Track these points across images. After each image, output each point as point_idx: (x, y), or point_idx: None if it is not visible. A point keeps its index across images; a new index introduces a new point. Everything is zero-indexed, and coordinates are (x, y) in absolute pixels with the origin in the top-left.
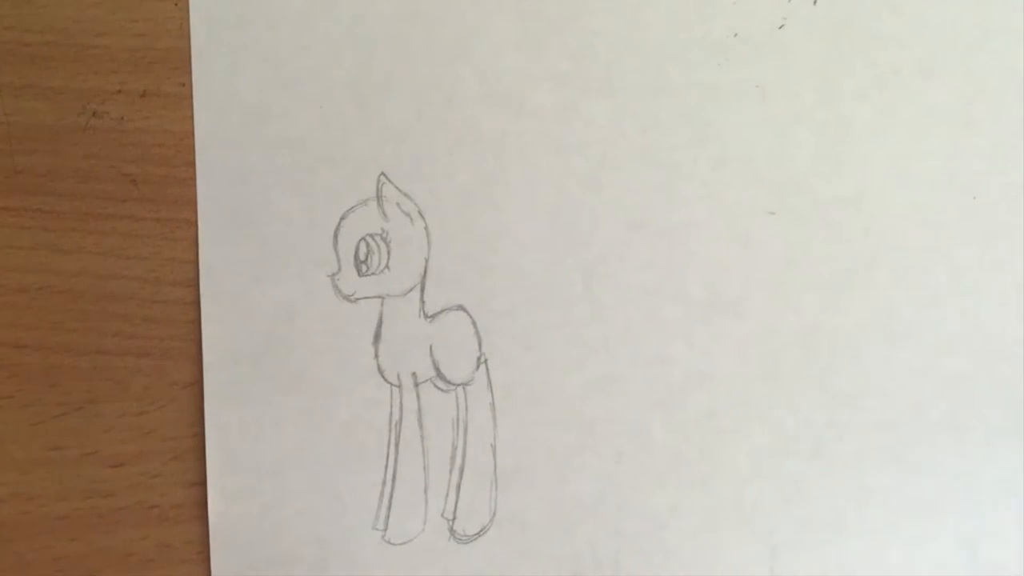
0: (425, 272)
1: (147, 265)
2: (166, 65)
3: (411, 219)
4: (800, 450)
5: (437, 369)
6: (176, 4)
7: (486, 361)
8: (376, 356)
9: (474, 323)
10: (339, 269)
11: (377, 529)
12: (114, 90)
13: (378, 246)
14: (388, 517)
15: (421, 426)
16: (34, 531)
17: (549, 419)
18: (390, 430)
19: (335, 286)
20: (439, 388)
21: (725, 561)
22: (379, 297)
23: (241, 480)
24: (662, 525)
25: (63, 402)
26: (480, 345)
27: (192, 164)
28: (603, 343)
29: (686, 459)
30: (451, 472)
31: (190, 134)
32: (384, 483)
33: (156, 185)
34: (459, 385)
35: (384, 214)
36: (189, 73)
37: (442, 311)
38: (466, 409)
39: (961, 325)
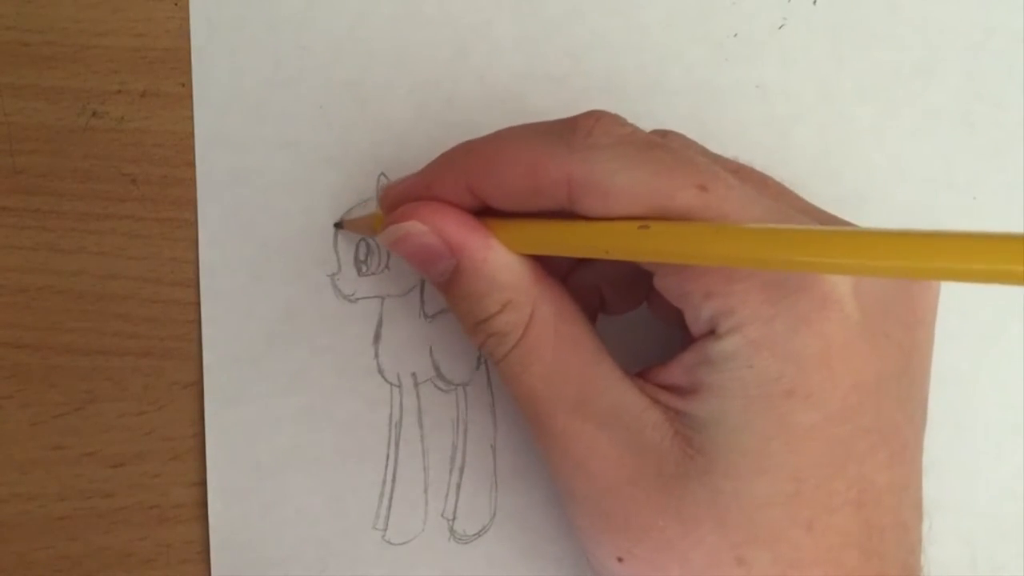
0: None
1: (147, 265)
2: (166, 65)
3: None
4: None
5: (437, 369)
6: (176, 4)
7: (486, 361)
8: (376, 356)
9: None
10: (339, 269)
11: (377, 529)
12: (114, 90)
13: (378, 246)
14: (388, 517)
15: (421, 426)
16: (34, 531)
17: None
18: (390, 430)
19: (335, 286)
20: (439, 388)
21: None
22: (379, 297)
23: (241, 480)
24: None
25: (63, 402)
26: None
27: (192, 164)
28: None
29: None
30: (451, 472)
31: (190, 134)
32: (384, 483)
33: (156, 185)
34: (459, 385)
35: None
36: (189, 73)
37: (442, 311)
38: (466, 409)
39: (961, 325)
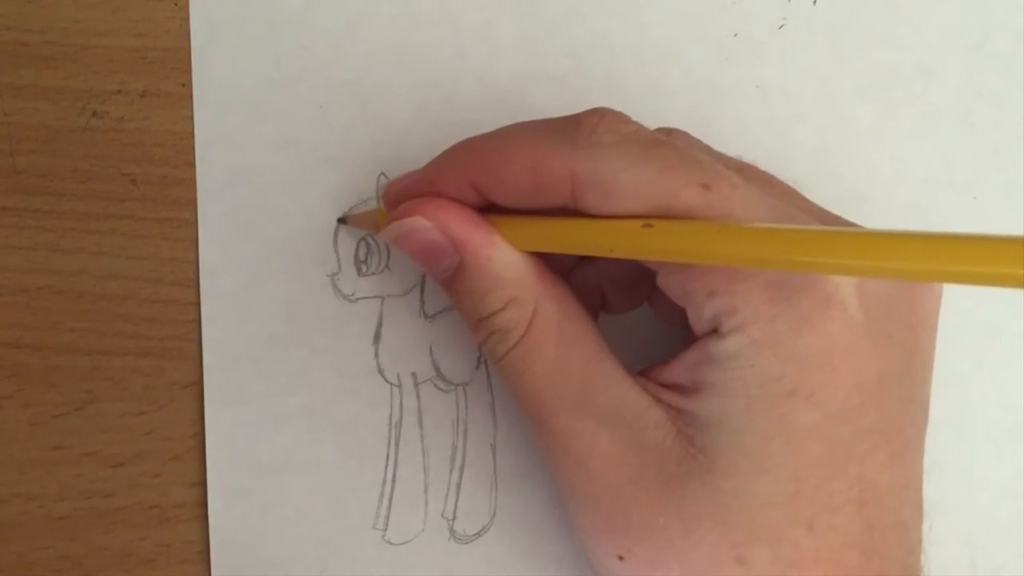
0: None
1: (147, 265)
2: (166, 65)
3: None
4: None
5: (437, 369)
6: (176, 4)
7: (486, 361)
8: (376, 356)
9: None
10: (339, 269)
11: (377, 529)
12: (114, 90)
13: (378, 246)
14: (388, 517)
15: (421, 426)
16: (34, 531)
17: None
18: (390, 430)
19: (335, 286)
20: (439, 388)
21: None
22: (379, 297)
23: (241, 480)
24: None
25: (63, 402)
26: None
27: (192, 164)
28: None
29: None
30: (451, 472)
31: (190, 134)
32: (384, 483)
33: (156, 185)
34: (459, 385)
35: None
36: (189, 73)
37: (442, 311)
38: (466, 409)
39: (961, 325)
